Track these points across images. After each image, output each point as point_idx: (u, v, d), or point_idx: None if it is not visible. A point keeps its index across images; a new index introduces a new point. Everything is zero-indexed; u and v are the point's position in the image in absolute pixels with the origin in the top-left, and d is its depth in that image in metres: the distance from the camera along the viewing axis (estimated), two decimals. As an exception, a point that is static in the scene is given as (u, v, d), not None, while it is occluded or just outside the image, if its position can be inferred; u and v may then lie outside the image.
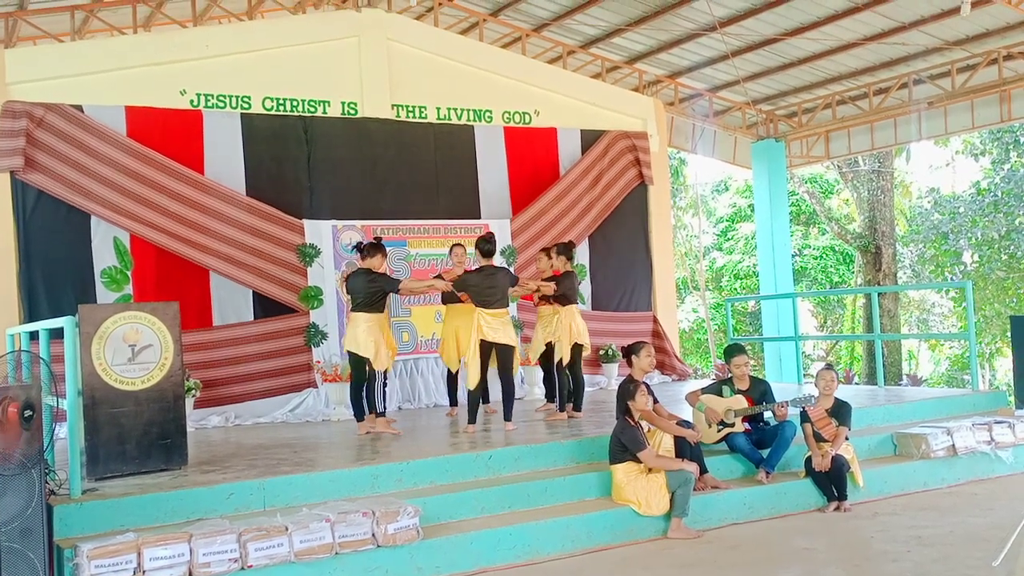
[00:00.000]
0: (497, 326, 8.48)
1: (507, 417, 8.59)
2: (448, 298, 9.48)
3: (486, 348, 8.52)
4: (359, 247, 8.76)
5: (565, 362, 9.18)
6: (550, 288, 9.23)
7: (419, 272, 11.26)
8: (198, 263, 10.64)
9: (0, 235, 9.91)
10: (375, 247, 8.62)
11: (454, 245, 9.78)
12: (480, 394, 8.64)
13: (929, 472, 8.08)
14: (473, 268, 8.83)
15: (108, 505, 5.98)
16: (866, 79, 16.16)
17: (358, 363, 8.54)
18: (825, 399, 7.64)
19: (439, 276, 9.37)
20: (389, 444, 8.08)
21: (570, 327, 9.14)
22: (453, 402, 10.13)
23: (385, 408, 8.56)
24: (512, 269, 12.18)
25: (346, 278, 8.92)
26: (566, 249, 9.49)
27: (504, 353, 8.61)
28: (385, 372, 8.57)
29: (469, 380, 8.53)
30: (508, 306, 8.74)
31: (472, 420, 8.52)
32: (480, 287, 8.52)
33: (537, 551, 6.32)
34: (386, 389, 8.73)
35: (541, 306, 9.63)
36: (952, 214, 23.02)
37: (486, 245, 8.70)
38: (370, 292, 8.44)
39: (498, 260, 11.96)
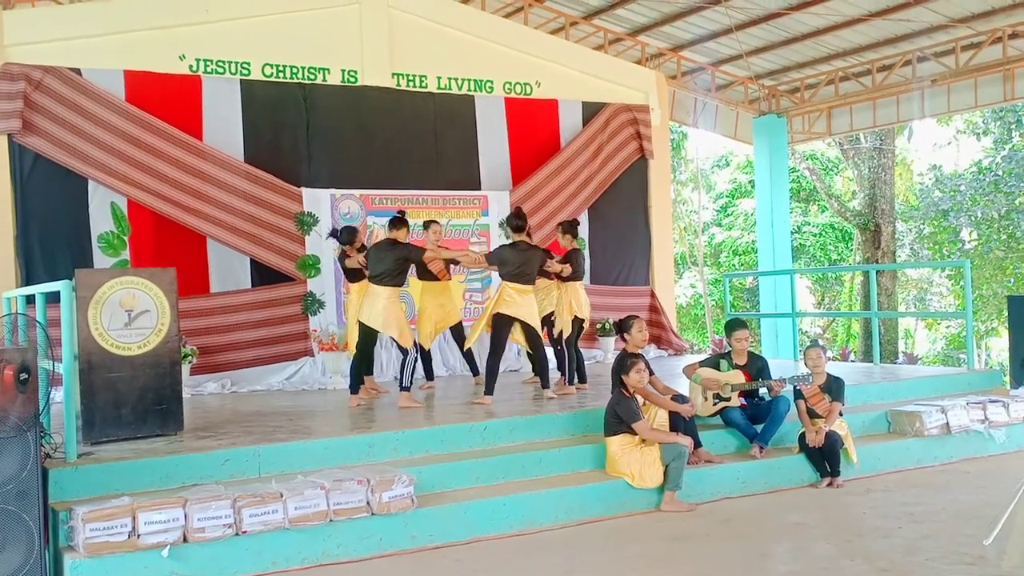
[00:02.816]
0: (522, 302, 8.48)
1: (544, 385, 8.70)
2: (423, 274, 9.50)
3: (505, 321, 8.48)
4: (392, 220, 8.64)
5: (566, 335, 9.21)
6: (567, 269, 9.18)
7: (418, 243, 11.26)
8: (195, 229, 10.62)
9: (-3, 198, 9.89)
10: (400, 220, 8.56)
11: (430, 222, 9.62)
12: (498, 365, 8.58)
13: (923, 450, 8.11)
14: (507, 243, 8.78)
15: (103, 469, 6.00)
16: (870, 55, 16.07)
17: (367, 335, 8.55)
18: (817, 376, 7.65)
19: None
20: (384, 413, 8.11)
21: (571, 302, 9.18)
22: (429, 376, 10.14)
23: (411, 383, 8.50)
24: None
25: (365, 254, 8.81)
26: (571, 227, 9.49)
27: (529, 331, 8.68)
28: (421, 345, 8.58)
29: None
30: (534, 282, 8.74)
31: (489, 391, 8.44)
32: (515, 263, 8.47)
33: (531, 522, 6.36)
34: (417, 363, 8.69)
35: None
36: (953, 192, 22.97)
37: (516, 221, 8.66)
38: (396, 261, 8.34)
39: (496, 232, 12.01)
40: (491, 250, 8.80)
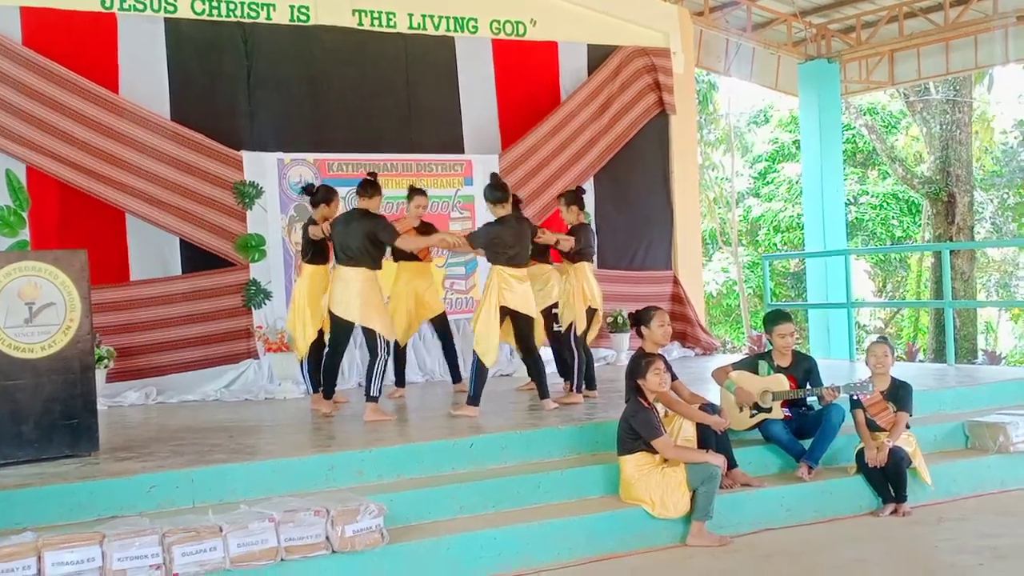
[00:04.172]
0: (520, 291, 8.49)
1: (543, 395, 8.72)
2: (401, 254, 9.49)
3: (503, 315, 8.52)
4: (361, 185, 8.62)
5: (580, 329, 9.24)
6: (569, 243, 9.23)
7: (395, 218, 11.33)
8: (111, 203, 10.60)
9: None
10: (373, 186, 8.55)
11: (415, 191, 9.64)
12: (488, 369, 8.61)
13: (1007, 469, 8.14)
14: (491, 220, 8.75)
15: (0, 498, 5.98)
16: (942, -14, 16.09)
17: (343, 330, 8.59)
18: (879, 379, 7.65)
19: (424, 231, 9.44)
20: (347, 428, 8.11)
21: (583, 289, 9.21)
22: (400, 382, 10.15)
23: (380, 392, 8.50)
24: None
25: (331, 223, 8.76)
26: (575, 198, 9.56)
27: (522, 324, 8.66)
28: (402, 345, 8.57)
29: (484, 351, 8.42)
30: (527, 266, 8.77)
31: (474, 401, 8.46)
32: (505, 242, 8.46)
33: (527, 559, 6.36)
34: (388, 367, 8.68)
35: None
36: (1043, 154, 23.06)
37: (496, 193, 8.57)
38: (364, 236, 8.31)
39: (482, 204, 12.00)
40: (474, 230, 8.74)
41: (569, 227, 9.45)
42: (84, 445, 6.98)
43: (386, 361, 8.52)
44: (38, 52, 10.37)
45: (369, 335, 8.46)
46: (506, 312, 8.50)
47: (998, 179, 24.96)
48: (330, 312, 8.56)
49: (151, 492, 6.31)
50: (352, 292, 8.34)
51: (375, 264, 8.46)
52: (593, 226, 13.04)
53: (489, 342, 8.40)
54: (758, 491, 7.26)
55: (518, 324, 8.65)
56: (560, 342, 9.36)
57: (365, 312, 8.37)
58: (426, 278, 9.65)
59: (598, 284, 9.46)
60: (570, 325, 9.24)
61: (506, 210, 8.59)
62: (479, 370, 8.49)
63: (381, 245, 8.46)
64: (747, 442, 7.79)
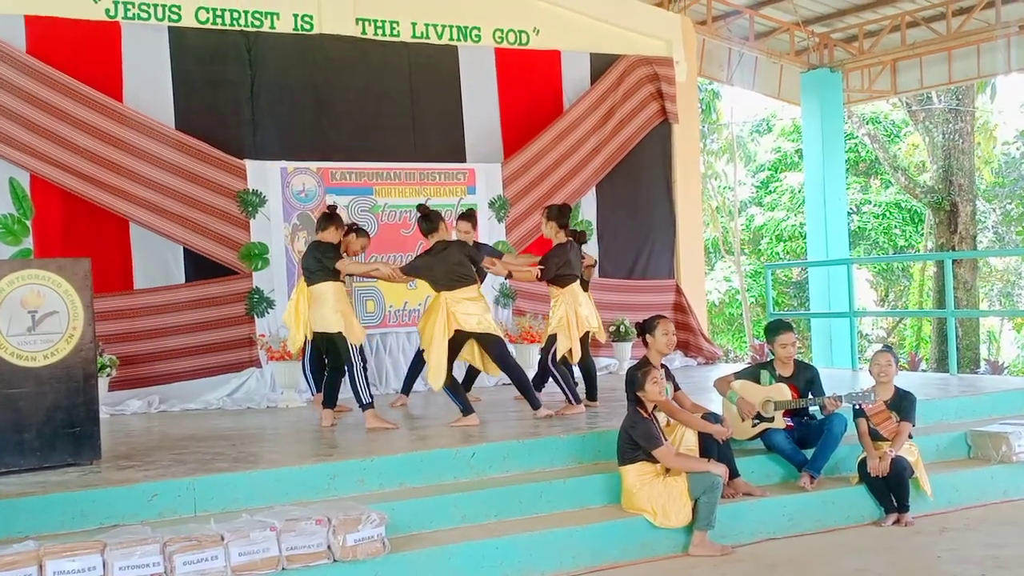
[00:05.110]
0: (473, 310, 8.47)
1: (535, 405, 8.70)
2: None
3: (460, 338, 8.49)
4: (319, 219, 8.92)
5: (575, 359, 9.17)
6: (530, 275, 9.13)
7: (389, 227, 11.32)
8: (115, 212, 10.61)
9: None
10: (328, 218, 8.69)
11: (460, 218, 9.64)
12: (459, 381, 8.68)
13: (1010, 479, 8.13)
14: (423, 251, 8.76)
15: (3, 507, 5.98)
16: (944, -5, 16.09)
17: (333, 343, 8.62)
18: (883, 388, 7.65)
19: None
20: (349, 437, 8.11)
21: (577, 315, 9.08)
22: (406, 390, 10.14)
23: (372, 397, 8.54)
24: (503, 225, 12.20)
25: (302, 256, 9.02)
26: (558, 214, 9.30)
27: (491, 345, 8.65)
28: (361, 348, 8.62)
29: (432, 376, 8.37)
30: (477, 281, 8.71)
31: (467, 410, 8.46)
32: (437, 271, 8.46)
33: (530, 569, 6.35)
34: (366, 372, 8.70)
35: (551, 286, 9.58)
36: (1046, 164, 23.04)
37: (426, 224, 8.62)
38: (314, 260, 8.53)
39: (485, 213, 12.02)
40: (407, 263, 8.83)
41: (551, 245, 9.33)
42: (86, 453, 6.98)
43: (363, 367, 8.64)
44: (42, 61, 10.39)
45: (339, 340, 8.53)
46: (467, 336, 8.52)
47: (1001, 189, 24.92)
48: (317, 334, 8.66)
49: (153, 501, 6.30)
50: (328, 304, 8.50)
51: (337, 277, 8.58)
52: (596, 235, 13.05)
53: (439, 371, 8.35)
54: (760, 501, 7.25)
55: (487, 345, 8.66)
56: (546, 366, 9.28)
57: (336, 319, 8.49)
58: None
59: (590, 303, 9.33)
60: (554, 347, 9.09)
61: (436, 238, 8.60)
62: (450, 388, 8.49)
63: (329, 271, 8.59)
64: (749, 451, 7.78)
